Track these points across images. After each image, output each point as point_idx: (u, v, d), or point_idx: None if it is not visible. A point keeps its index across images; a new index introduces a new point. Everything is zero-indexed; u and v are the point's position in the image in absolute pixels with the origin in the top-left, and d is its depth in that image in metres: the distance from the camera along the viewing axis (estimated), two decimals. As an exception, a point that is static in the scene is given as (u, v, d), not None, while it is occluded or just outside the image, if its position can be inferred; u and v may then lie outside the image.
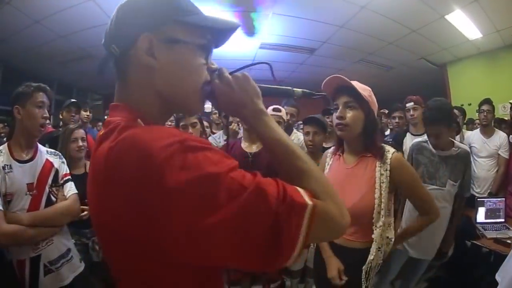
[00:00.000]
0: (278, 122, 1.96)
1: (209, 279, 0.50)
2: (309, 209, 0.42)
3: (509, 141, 2.78)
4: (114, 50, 0.50)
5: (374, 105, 1.20)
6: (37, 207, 1.31)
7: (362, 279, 1.14)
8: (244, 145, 1.90)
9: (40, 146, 1.42)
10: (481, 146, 2.87)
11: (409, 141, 2.30)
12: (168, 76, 0.50)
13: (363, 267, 1.14)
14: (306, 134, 2.06)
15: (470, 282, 2.17)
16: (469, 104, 4.73)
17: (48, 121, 1.47)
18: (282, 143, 0.52)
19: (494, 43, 4.57)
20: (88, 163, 1.82)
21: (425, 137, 1.85)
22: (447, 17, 3.90)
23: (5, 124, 3.26)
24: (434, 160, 1.77)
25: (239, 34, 4.29)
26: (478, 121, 3.26)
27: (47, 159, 1.40)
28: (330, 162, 1.35)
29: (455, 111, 3.06)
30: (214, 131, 3.27)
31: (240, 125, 2.38)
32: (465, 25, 4.10)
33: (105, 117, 2.56)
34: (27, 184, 1.29)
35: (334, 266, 1.19)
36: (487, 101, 2.91)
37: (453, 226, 1.86)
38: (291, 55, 5.38)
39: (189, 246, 0.39)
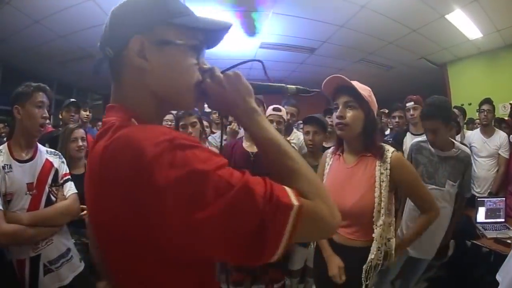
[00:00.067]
0: (278, 122, 1.99)
1: (204, 279, 0.51)
2: (295, 209, 0.42)
3: (509, 141, 2.78)
4: (108, 52, 0.51)
5: (374, 105, 1.20)
6: (37, 206, 1.31)
7: (362, 278, 1.15)
8: (245, 144, 1.89)
9: (40, 146, 1.42)
10: (481, 146, 2.87)
11: (409, 140, 2.29)
12: (160, 77, 0.51)
13: (364, 266, 1.14)
14: (306, 133, 2.06)
15: (470, 282, 2.17)
16: (469, 104, 4.73)
17: (48, 121, 1.46)
18: (274, 142, 0.52)
19: (494, 42, 4.56)
20: (88, 163, 1.82)
21: (424, 136, 1.85)
22: (447, 16, 3.89)
23: (5, 124, 3.26)
24: (434, 160, 1.76)
25: (239, 34, 4.30)
26: (478, 120, 3.26)
27: (47, 159, 1.40)
28: (330, 162, 1.35)
29: (455, 110, 3.07)
30: (214, 130, 3.27)
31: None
32: (465, 24, 4.10)
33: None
34: (27, 183, 1.29)
35: (335, 264, 1.20)
36: (487, 101, 2.91)
37: (453, 224, 1.86)
38: (291, 55, 5.38)
39: (178, 239, 0.40)
